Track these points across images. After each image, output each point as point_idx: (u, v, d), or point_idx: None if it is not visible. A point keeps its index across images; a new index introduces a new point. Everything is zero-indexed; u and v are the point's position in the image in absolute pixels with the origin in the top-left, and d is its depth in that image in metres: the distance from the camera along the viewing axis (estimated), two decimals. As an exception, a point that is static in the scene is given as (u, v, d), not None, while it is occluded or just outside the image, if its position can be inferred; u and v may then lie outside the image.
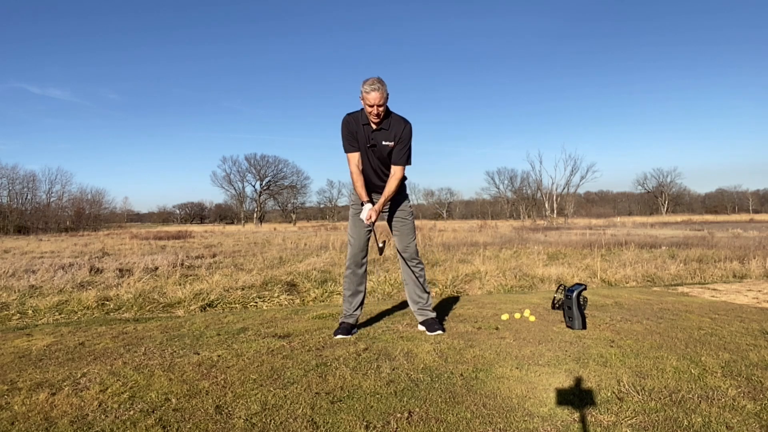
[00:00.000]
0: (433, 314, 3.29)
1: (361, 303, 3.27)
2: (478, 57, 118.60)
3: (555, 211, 53.67)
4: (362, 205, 3.14)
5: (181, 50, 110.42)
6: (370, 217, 3.07)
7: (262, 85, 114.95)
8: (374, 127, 3.06)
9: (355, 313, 3.24)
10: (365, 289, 3.30)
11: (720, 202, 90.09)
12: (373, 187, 3.21)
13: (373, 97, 2.90)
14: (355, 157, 3.11)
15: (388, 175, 3.16)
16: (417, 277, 3.28)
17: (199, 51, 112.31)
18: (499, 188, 78.44)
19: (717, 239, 15.31)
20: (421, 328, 3.25)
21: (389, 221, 3.32)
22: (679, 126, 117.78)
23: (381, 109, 2.96)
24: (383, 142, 3.08)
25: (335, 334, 3.12)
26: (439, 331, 3.15)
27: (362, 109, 3.06)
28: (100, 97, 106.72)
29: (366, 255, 3.26)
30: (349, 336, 3.11)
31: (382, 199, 3.12)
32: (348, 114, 3.11)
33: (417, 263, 3.29)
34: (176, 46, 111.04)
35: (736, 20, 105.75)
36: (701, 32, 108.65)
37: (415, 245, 3.30)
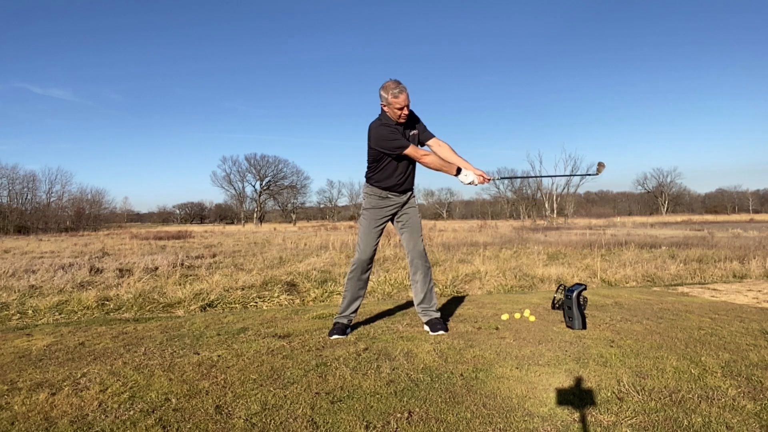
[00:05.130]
0: (438, 314, 3.29)
1: (359, 306, 3.30)
2: (478, 57, 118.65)
3: (555, 211, 53.64)
4: (458, 173, 3.11)
5: (182, 50, 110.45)
6: (483, 175, 3.13)
7: (263, 85, 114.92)
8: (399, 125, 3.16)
9: (351, 314, 3.25)
10: (365, 293, 3.34)
11: (720, 202, 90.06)
12: (399, 186, 3.21)
13: (404, 97, 3.00)
14: (415, 147, 3.11)
15: (414, 173, 3.26)
16: (424, 276, 3.27)
17: (200, 51, 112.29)
18: (499, 188, 78.14)
19: (717, 239, 15.31)
20: (426, 328, 3.26)
21: (396, 219, 3.30)
22: (679, 126, 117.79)
23: (409, 108, 3.07)
24: (411, 133, 3.20)
25: (330, 334, 3.12)
26: (441, 331, 3.16)
27: (381, 115, 3.11)
28: (102, 97, 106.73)
29: (372, 262, 3.28)
30: (344, 336, 3.12)
31: (465, 164, 3.17)
32: (378, 122, 3.10)
33: (425, 262, 3.28)
34: (177, 46, 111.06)
35: (736, 20, 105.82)
36: (701, 32, 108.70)
37: (423, 243, 3.31)
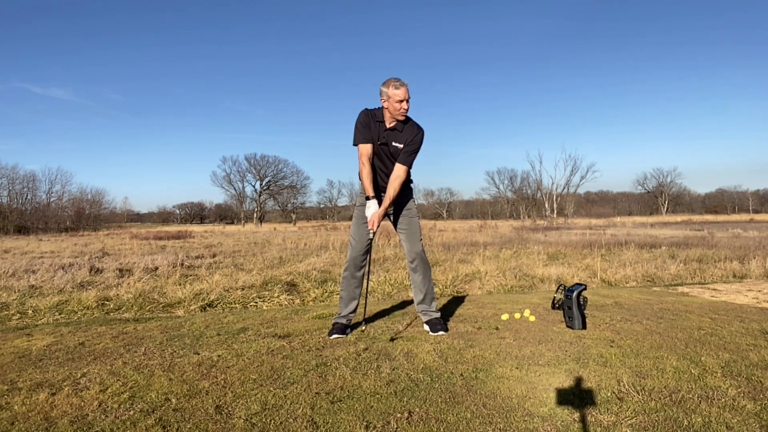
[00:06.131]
0: (438, 314, 3.29)
1: (357, 305, 3.28)
2: (478, 58, 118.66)
3: (555, 211, 53.65)
4: (367, 200, 3.09)
5: (182, 50, 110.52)
6: (374, 223, 3.04)
7: (263, 85, 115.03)
8: (387, 126, 3.11)
9: (350, 314, 3.24)
10: (361, 291, 3.31)
11: (720, 202, 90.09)
12: (378, 188, 3.19)
13: (404, 90, 3.01)
14: (367, 148, 3.09)
15: (384, 178, 3.17)
16: (424, 277, 3.27)
17: (201, 51, 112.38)
18: (499, 188, 78.25)
19: (717, 239, 15.31)
20: (426, 328, 3.25)
21: (395, 221, 3.30)
22: (679, 126, 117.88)
23: (409, 103, 3.06)
24: (393, 143, 3.12)
25: (330, 334, 3.11)
26: (441, 331, 3.15)
27: (379, 108, 3.11)
28: (102, 97, 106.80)
29: (366, 258, 3.26)
30: (344, 336, 3.12)
31: (386, 202, 3.09)
32: (366, 109, 3.13)
33: (424, 263, 3.28)
34: (178, 46, 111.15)
35: (736, 20, 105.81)
36: (701, 32, 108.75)
37: (422, 245, 3.30)
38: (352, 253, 3.22)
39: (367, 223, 3.13)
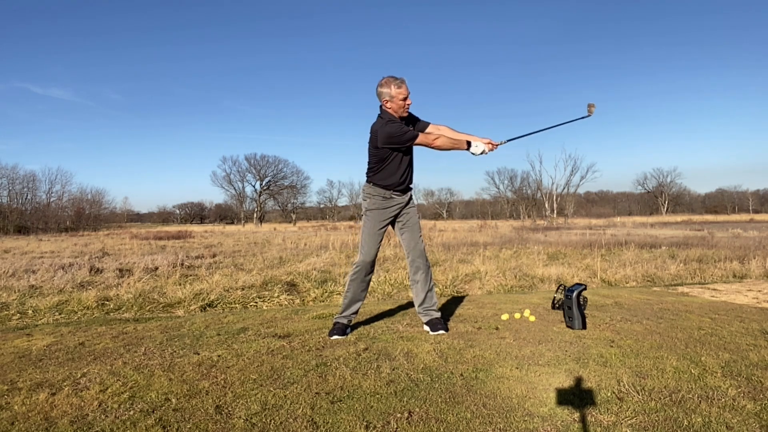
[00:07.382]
0: (438, 314, 3.29)
1: (360, 307, 3.30)
2: (478, 58, 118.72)
3: (555, 211, 53.62)
4: (468, 146, 3.12)
5: (182, 50, 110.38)
6: (490, 143, 3.15)
7: (263, 84, 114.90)
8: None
9: (351, 315, 3.25)
10: (366, 294, 3.34)
11: (720, 202, 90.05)
12: (401, 185, 3.21)
13: (405, 87, 3.08)
14: (415, 133, 3.13)
15: (413, 170, 3.28)
16: (425, 276, 3.27)
17: (201, 51, 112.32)
18: (499, 188, 78.23)
19: (717, 239, 15.31)
20: (426, 328, 3.25)
21: (397, 219, 3.28)
22: (679, 126, 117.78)
23: (410, 98, 3.13)
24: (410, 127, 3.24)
25: (330, 334, 3.12)
26: (442, 331, 3.15)
27: (382, 114, 3.13)
28: (102, 97, 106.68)
29: (375, 264, 3.28)
30: (344, 336, 3.12)
31: (469, 136, 3.19)
32: (383, 121, 3.11)
33: (425, 262, 3.28)
34: (178, 45, 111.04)
35: (736, 20, 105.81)
36: (701, 32, 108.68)
37: (423, 243, 3.31)
38: (363, 258, 3.19)
39: (382, 229, 3.21)
